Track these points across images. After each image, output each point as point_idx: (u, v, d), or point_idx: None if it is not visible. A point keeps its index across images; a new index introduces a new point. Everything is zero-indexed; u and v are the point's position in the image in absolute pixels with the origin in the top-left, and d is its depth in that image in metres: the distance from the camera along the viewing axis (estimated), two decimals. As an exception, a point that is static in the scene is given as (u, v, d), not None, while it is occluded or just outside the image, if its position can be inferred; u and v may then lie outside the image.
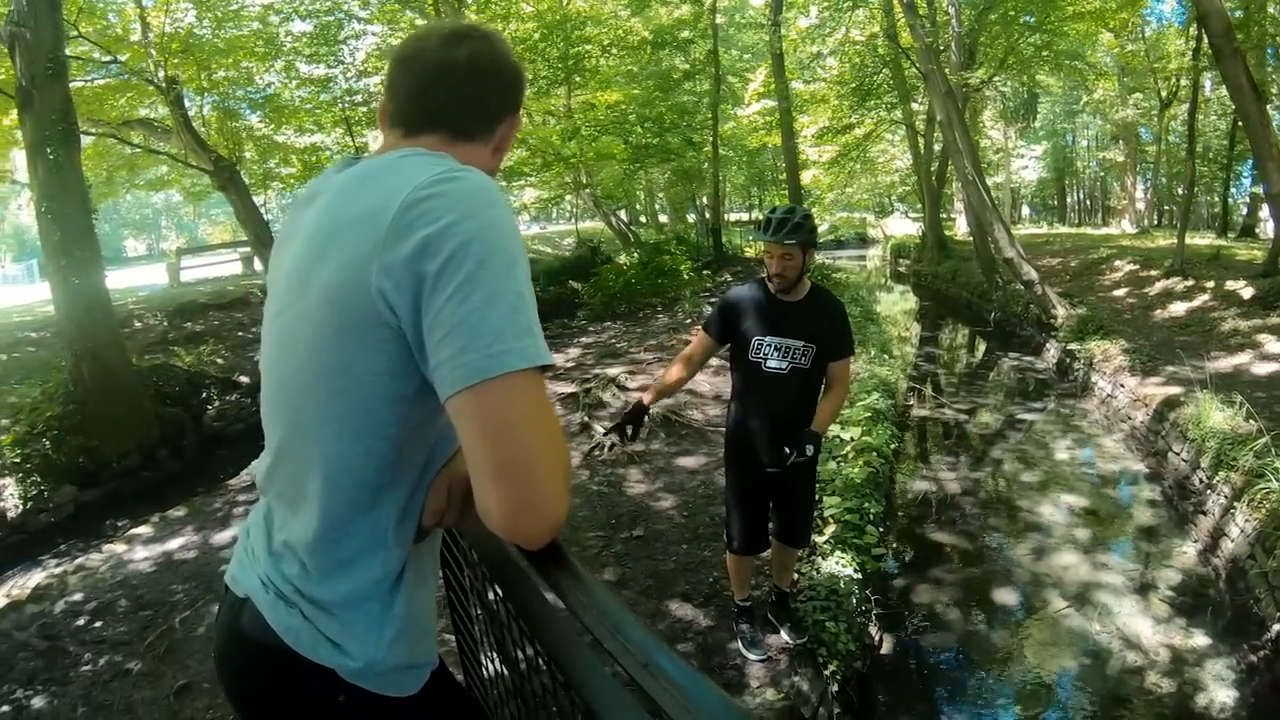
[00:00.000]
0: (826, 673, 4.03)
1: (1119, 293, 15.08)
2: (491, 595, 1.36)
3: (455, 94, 1.29)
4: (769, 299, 3.58)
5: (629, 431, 3.50)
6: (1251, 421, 6.87)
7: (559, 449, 1.04)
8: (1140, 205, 35.29)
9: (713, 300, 16.95)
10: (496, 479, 0.99)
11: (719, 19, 23.50)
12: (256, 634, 1.20)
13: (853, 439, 6.72)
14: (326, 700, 1.19)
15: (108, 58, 13.67)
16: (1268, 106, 17.13)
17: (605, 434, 3.71)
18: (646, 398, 3.60)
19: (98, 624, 4.84)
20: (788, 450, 3.42)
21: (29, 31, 9.05)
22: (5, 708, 4.03)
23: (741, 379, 3.69)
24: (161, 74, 13.71)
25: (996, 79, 24.01)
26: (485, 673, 1.71)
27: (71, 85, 10.18)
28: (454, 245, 1.03)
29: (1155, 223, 31.91)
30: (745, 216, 47.42)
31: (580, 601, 0.99)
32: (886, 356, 10.72)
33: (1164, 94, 24.64)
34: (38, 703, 4.03)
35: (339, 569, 1.18)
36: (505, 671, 1.50)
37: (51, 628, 4.84)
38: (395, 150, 1.24)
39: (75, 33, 11.22)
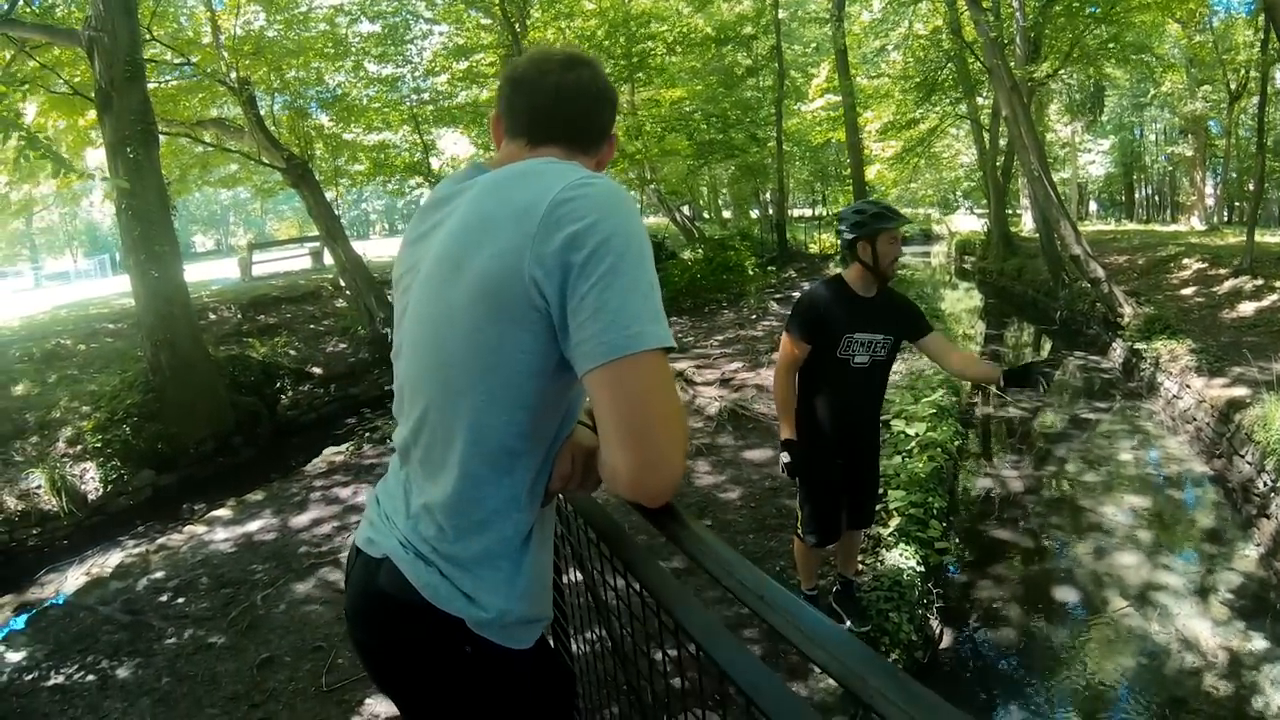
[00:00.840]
0: (889, 661, 4.07)
1: (1187, 291, 14.74)
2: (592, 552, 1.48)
3: (575, 113, 1.47)
4: (851, 297, 3.67)
5: (789, 467, 3.74)
6: (1318, 425, 6.73)
7: (680, 419, 1.20)
8: (1210, 201, 34.34)
9: (778, 296, 16.95)
10: (627, 442, 1.15)
11: (781, 14, 23.42)
12: (394, 591, 1.33)
13: (917, 434, 6.74)
14: (454, 651, 1.32)
15: (180, 60, 14.08)
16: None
17: (788, 474, 3.84)
18: (788, 433, 3.76)
19: (180, 600, 5.05)
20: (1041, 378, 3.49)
21: (106, 36, 9.38)
22: (91, 677, 4.20)
23: (825, 377, 3.72)
24: (234, 75, 14.08)
25: (1062, 72, 23.59)
26: (573, 641, 1.84)
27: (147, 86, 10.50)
28: (597, 240, 1.17)
29: (1225, 219, 31.01)
30: (809, 212, 46.99)
31: (697, 549, 1.13)
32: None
33: (1233, 86, 23.89)
34: (122, 673, 4.21)
35: (476, 529, 1.31)
36: (601, 632, 1.62)
37: (135, 603, 5.05)
38: (528, 158, 1.39)
39: (149, 36, 11.56)
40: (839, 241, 3.83)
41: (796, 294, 4.19)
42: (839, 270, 3.87)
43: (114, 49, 9.40)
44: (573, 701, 1.78)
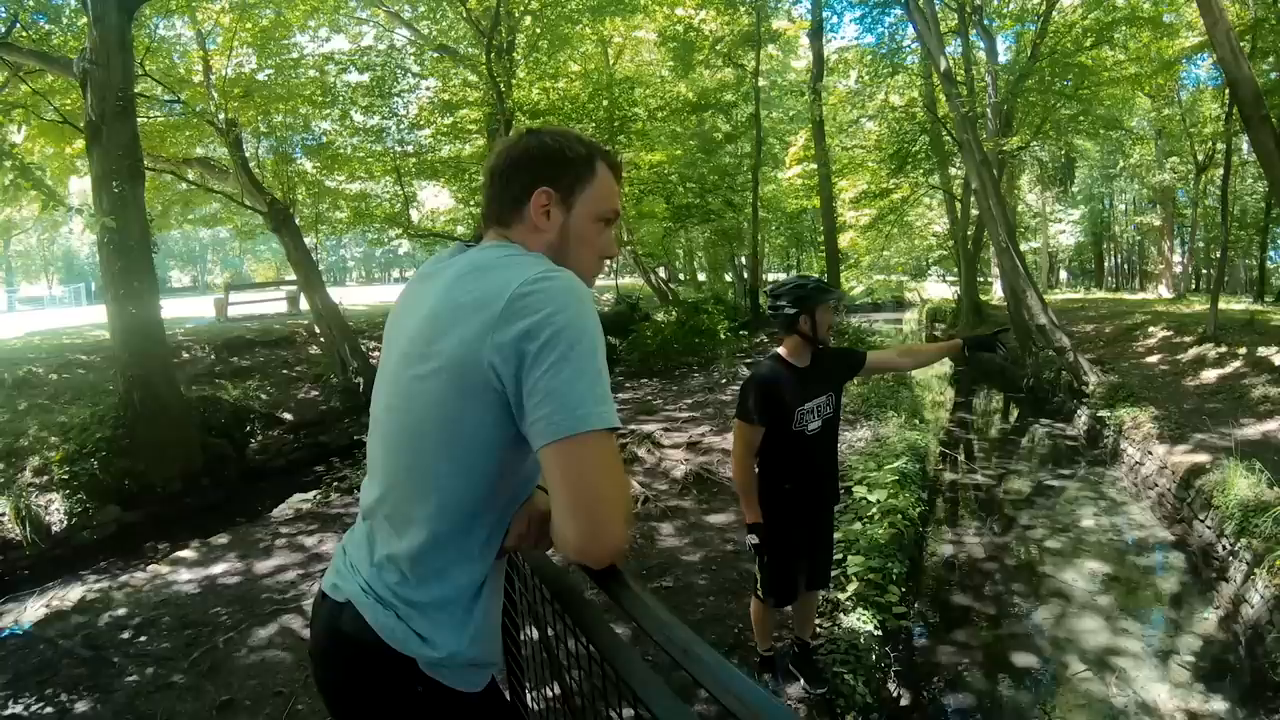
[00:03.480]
0: (843, 724, 4.15)
1: (1152, 359, 15.01)
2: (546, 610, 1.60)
3: (494, 195, 1.65)
4: (792, 370, 3.83)
5: (756, 548, 3.87)
6: (1276, 489, 6.90)
7: (623, 492, 1.34)
8: (1177, 269, 35.08)
9: (749, 361, 17.10)
10: (574, 512, 1.29)
11: (761, 82, 23.88)
12: (354, 632, 1.46)
13: (879, 501, 6.85)
14: (407, 691, 1.45)
15: (170, 96, 14.19)
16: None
17: (755, 553, 3.96)
18: (753, 517, 3.84)
19: (142, 638, 5.05)
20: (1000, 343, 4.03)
21: (101, 69, 9.46)
22: (49, 709, 4.21)
23: (785, 450, 3.84)
24: (222, 116, 14.20)
25: (1033, 144, 24.19)
26: (529, 693, 1.95)
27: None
28: (550, 332, 1.32)
29: (1193, 287, 31.65)
30: (783, 278, 47.52)
31: (634, 608, 1.27)
32: (917, 420, 10.79)
33: (1200, 157, 24.51)
34: (81, 707, 4.22)
35: (435, 576, 1.46)
36: (554, 684, 1.73)
37: (96, 638, 5.05)
38: (494, 246, 1.57)
39: (140, 71, 11.67)
40: (772, 316, 3.94)
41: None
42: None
43: (107, 82, 9.48)
44: None
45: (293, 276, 19.24)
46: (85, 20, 10.27)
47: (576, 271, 1.51)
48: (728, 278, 35.21)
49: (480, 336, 1.36)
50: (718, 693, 1.06)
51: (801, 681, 4.25)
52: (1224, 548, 6.89)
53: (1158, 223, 36.57)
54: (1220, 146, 17.63)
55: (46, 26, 12.20)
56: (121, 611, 5.46)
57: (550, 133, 1.68)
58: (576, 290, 1.40)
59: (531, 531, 1.54)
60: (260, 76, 15.81)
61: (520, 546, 1.58)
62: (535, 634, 1.84)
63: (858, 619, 4.94)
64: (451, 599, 1.47)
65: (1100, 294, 34.34)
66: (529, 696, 2.06)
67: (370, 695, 1.49)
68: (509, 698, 2.07)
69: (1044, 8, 20.31)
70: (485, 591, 1.52)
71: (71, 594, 6.09)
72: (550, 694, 1.86)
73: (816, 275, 3.98)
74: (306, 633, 4.80)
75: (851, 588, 5.37)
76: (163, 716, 4.11)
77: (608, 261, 1.78)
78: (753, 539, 3.82)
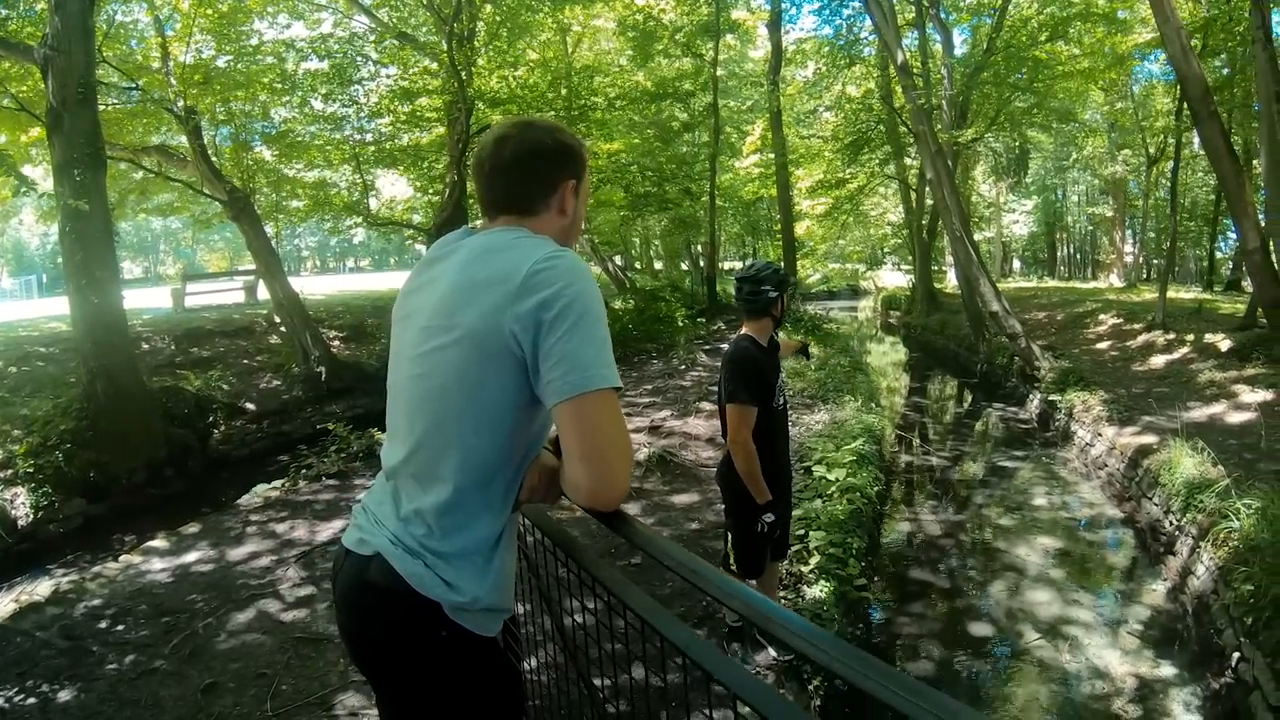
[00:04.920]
0: (810, 687, 4.33)
1: (1102, 345, 15.46)
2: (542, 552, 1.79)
3: (511, 187, 1.77)
4: (763, 350, 4.03)
5: (770, 525, 4.03)
6: (1219, 468, 7.19)
7: (627, 444, 1.53)
8: (1128, 259, 35.82)
9: (707, 348, 17.27)
10: (586, 461, 1.49)
11: (719, 72, 24.01)
12: (383, 582, 1.60)
13: (838, 479, 7.06)
14: (432, 635, 1.60)
15: (128, 84, 13.98)
16: (1253, 161, 17.71)
17: (769, 533, 4.09)
18: (766, 497, 3.96)
19: (119, 627, 5.07)
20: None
21: (63, 56, 9.35)
22: (31, 700, 4.21)
23: (766, 428, 3.98)
24: (181, 103, 14.03)
25: (988, 136, 24.59)
26: (520, 632, 2.14)
27: (95, 109, 10.45)
28: (563, 303, 1.50)
29: (1144, 277, 32.35)
30: (740, 265, 47.67)
31: (642, 541, 1.52)
32: (874, 405, 11.02)
33: (1152, 150, 25.00)
34: (64, 696, 4.23)
35: (459, 528, 1.61)
36: (544, 619, 1.91)
37: (73, 629, 5.05)
38: (502, 230, 1.73)
39: (99, 57, 11.54)
40: (751, 300, 4.05)
41: (725, 345, 4.51)
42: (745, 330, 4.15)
43: (69, 69, 9.39)
44: (522, 701, 2.04)
45: (248, 266, 19.07)
46: (45, 5, 10.14)
47: (570, 245, 1.73)
48: (684, 266, 35.39)
49: (501, 308, 1.52)
50: (723, 598, 1.27)
51: (770, 650, 4.42)
52: (1171, 523, 7.18)
53: (1109, 213, 37.45)
54: (1172, 140, 18.08)
55: (4, 12, 11.98)
56: (97, 602, 5.46)
57: (551, 125, 1.85)
58: (582, 268, 1.58)
59: (542, 484, 1.70)
60: (219, 63, 15.62)
61: (534, 500, 1.74)
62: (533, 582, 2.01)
63: (820, 590, 5.16)
64: (473, 549, 1.62)
65: (1053, 283, 34.96)
66: (522, 643, 2.24)
67: (398, 641, 1.64)
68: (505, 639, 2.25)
69: (1000, 2, 20.64)
70: (503, 542, 1.68)
71: (41, 588, 6.08)
72: (549, 643, 2.04)
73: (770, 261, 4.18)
74: (286, 616, 4.92)
75: (814, 561, 5.58)
76: (147, 701, 4.15)
77: None
78: (769, 518, 3.98)
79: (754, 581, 4.39)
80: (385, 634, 1.65)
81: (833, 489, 6.94)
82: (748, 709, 1.14)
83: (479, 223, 1.87)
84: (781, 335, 4.37)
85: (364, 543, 1.68)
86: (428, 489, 1.63)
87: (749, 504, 4.00)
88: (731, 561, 4.23)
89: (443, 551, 1.60)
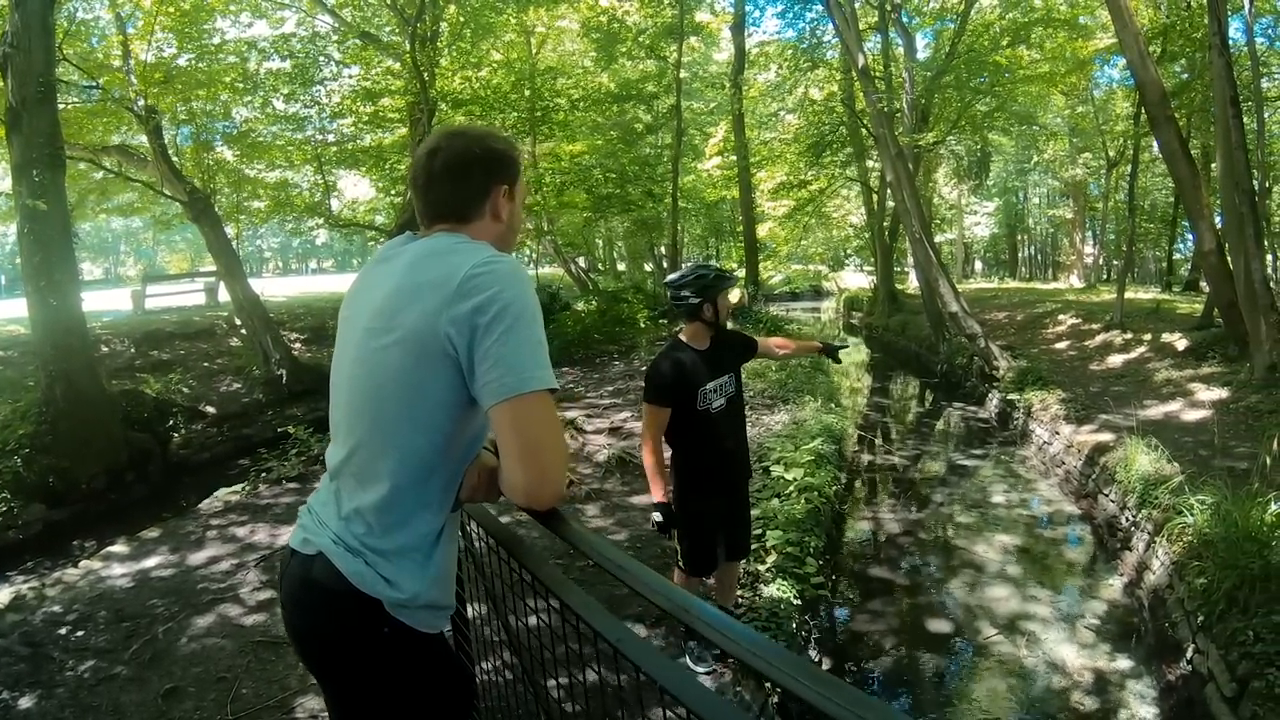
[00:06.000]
0: (767, 685, 4.41)
1: (1061, 345, 15.72)
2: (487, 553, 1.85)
3: (445, 196, 1.82)
4: (694, 353, 4.09)
5: (667, 527, 4.07)
6: (1174, 464, 7.35)
7: (562, 444, 1.59)
8: (1088, 260, 36.37)
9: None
10: (522, 461, 1.53)
11: (683, 74, 24.08)
12: (326, 580, 1.66)
13: (795, 479, 7.13)
14: (374, 632, 1.66)
15: (89, 82, 13.84)
16: (1211, 165, 18.07)
17: (659, 531, 4.15)
18: (659, 496, 4.04)
19: (80, 633, 5.04)
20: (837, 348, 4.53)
21: (22, 54, 9.22)
22: (-9, 706, 4.21)
23: (694, 429, 4.07)
24: (141, 102, 13.92)
25: (950, 139, 24.87)
26: (470, 630, 2.20)
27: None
28: (497, 308, 1.55)
29: (1104, 278, 32.82)
30: (683, 268, 47.71)
31: (575, 539, 1.55)
32: (834, 405, 11.14)
33: (1111, 154, 25.43)
34: (25, 703, 4.21)
35: (398, 526, 1.66)
36: (495, 620, 1.98)
37: (33, 635, 5.02)
38: (443, 235, 1.78)
39: (59, 55, 11.41)
40: (676, 305, 4.18)
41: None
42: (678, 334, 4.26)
43: (28, 67, 9.27)
44: (471, 699, 2.11)
45: (209, 267, 18.93)
46: (4, 2, 10.02)
47: (507, 250, 1.79)
48: (647, 267, 35.37)
49: (438, 311, 1.57)
50: (646, 593, 1.33)
51: (725, 649, 4.49)
52: (1127, 519, 7.33)
53: (1070, 215, 38.01)
54: (1131, 144, 18.44)
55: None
56: (57, 608, 5.43)
57: (482, 133, 1.90)
58: (519, 272, 1.64)
59: (482, 484, 1.75)
60: (180, 62, 15.52)
61: (474, 499, 1.79)
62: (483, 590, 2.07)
63: (777, 589, 5.23)
64: (413, 546, 1.67)
65: (1014, 284, 35.38)
66: (473, 644, 2.32)
67: (342, 638, 1.69)
68: (455, 638, 2.33)
69: (962, 7, 20.92)
70: (442, 540, 1.72)
71: (1, 595, 6.02)
72: (496, 638, 2.11)
73: (717, 264, 4.23)
74: (246, 620, 4.93)
75: (771, 559, 5.67)
76: (108, 707, 4.14)
77: (527, 252, 1.99)
78: (657, 517, 4.03)
79: (702, 579, 4.49)
80: (329, 632, 1.70)
81: (791, 488, 7.01)
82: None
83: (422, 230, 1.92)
84: (777, 338, 4.42)
85: (308, 542, 1.73)
86: (367, 488, 1.67)
87: (686, 502, 4.13)
88: (679, 557, 4.32)
89: (382, 549, 1.65)
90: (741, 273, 25.88)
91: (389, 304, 1.67)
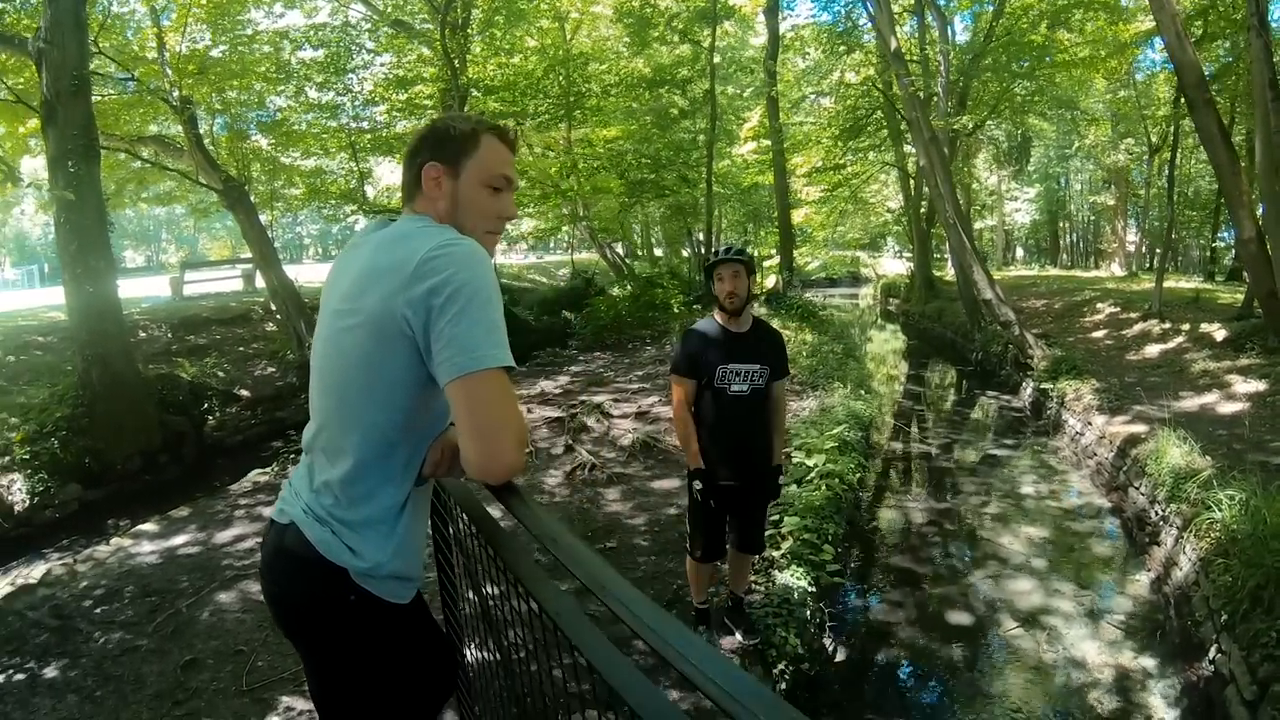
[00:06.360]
0: (775, 671, 4.41)
1: (1098, 334, 15.51)
2: (469, 537, 1.90)
3: (403, 178, 1.91)
4: (723, 332, 4.07)
5: (701, 493, 4.09)
6: (1205, 458, 7.23)
7: (516, 420, 1.59)
8: (1130, 248, 35.75)
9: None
10: (474, 437, 1.55)
11: (716, 59, 23.96)
12: (296, 548, 1.73)
13: (816, 465, 7.10)
14: (341, 599, 1.72)
15: (124, 74, 14.07)
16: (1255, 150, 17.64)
17: (701, 498, 4.15)
18: (694, 463, 4.09)
19: (107, 607, 5.18)
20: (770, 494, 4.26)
21: (56, 48, 9.42)
22: (20, 676, 4.34)
23: (708, 406, 4.09)
24: (176, 93, 14.13)
25: (989, 123, 24.53)
26: (461, 612, 2.23)
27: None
28: (451, 289, 1.58)
29: (1146, 266, 32.23)
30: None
31: (523, 515, 1.54)
32: (863, 392, 11.07)
33: (1153, 139, 24.91)
34: (50, 673, 4.35)
35: (363, 498, 1.72)
36: (475, 598, 2.00)
37: (62, 609, 5.17)
38: (408, 220, 1.84)
39: (94, 48, 11.59)
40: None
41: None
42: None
43: (63, 62, 9.46)
44: (452, 674, 2.18)
45: (248, 254, 19.19)
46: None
47: (473, 233, 1.80)
48: (685, 253, 35.33)
49: (395, 293, 1.61)
50: (571, 566, 1.32)
51: (737, 634, 4.50)
52: (1156, 513, 7.22)
53: (1112, 202, 37.33)
54: (1172, 129, 18.06)
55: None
56: (86, 583, 5.58)
57: (445, 117, 1.96)
58: (475, 254, 1.66)
59: (445, 459, 1.79)
60: (214, 53, 15.75)
61: (437, 474, 1.83)
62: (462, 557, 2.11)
63: (791, 576, 5.21)
64: (378, 518, 1.73)
65: (1054, 271, 34.94)
66: (462, 611, 2.34)
67: (311, 605, 1.76)
68: (444, 616, 2.38)
69: (1001, -11, 20.59)
70: (407, 512, 1.78)
71: (36, 571, 6.18)
72: (475, 604, 2.13)
73: (741, 247, 4.18)
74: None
75: (786, 545, 5.65)
76: (129, 677, 4.27)
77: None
78: (697, 484, 4.06)
79: (716, 565, 4.50)
80: (299, 598, 1.78)
81: (812, 474, 6.98)
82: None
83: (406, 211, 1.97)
84: (779, 412, 4.29)
85: (283, 513, 1.81)
86: (335, 462, 1.74)
87: (690, 481, 4.15)
88: (689, 541, 4.36)
89: (348, 520, 1.72)
90: (777, 259, 25.73)
91: (354, 287, 1.73)
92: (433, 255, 1.62)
